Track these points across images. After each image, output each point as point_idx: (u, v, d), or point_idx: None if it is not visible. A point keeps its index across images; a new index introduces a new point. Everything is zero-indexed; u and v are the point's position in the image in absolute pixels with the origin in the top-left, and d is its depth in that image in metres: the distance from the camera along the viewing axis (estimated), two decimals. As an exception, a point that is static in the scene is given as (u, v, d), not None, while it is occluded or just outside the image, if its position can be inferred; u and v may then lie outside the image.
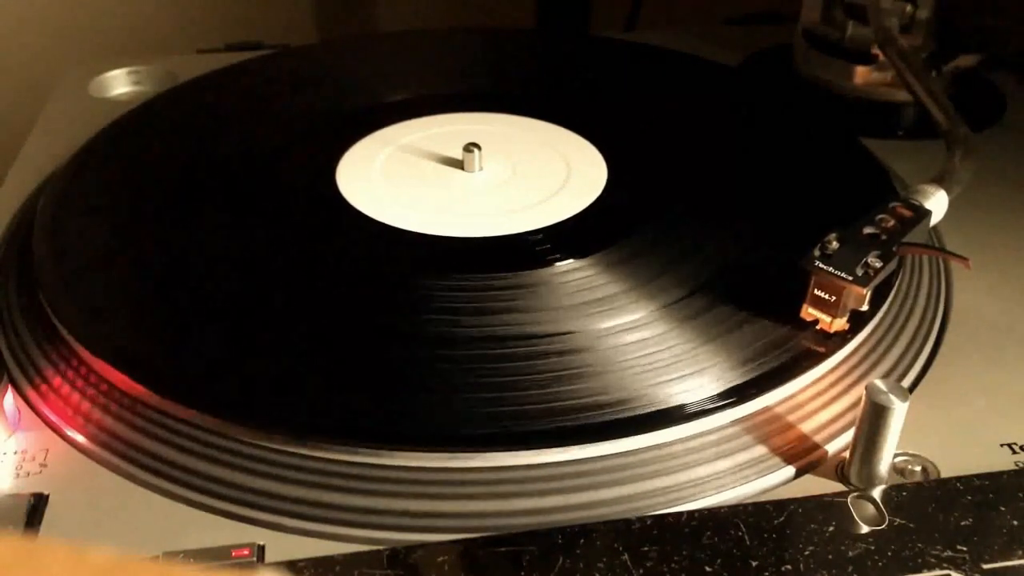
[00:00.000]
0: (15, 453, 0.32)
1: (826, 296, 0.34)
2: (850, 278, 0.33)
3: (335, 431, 0.30)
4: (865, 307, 0.35)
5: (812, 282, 0.34)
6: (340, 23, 0.85)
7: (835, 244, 0.34)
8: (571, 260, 0.38)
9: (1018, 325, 0.38)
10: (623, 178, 0.44)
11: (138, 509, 0.30)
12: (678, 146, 0.48)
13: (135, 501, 0.30)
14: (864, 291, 0.33)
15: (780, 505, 0.29)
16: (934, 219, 0.37)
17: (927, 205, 0.37)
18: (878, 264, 0.33)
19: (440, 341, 0.34)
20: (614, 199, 0.43)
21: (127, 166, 0.46)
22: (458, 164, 0.45)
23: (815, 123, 0.50)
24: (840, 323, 0.34)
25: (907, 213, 0.36)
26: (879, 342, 0.36)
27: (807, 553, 0.27)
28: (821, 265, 0.33)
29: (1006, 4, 0.57)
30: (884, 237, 0.35)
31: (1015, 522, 0.28)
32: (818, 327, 0.34)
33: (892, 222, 0.35)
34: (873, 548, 0.27)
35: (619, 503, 0.30)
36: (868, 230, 0.35)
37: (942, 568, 0.27)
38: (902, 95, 0.51)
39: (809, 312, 0.34)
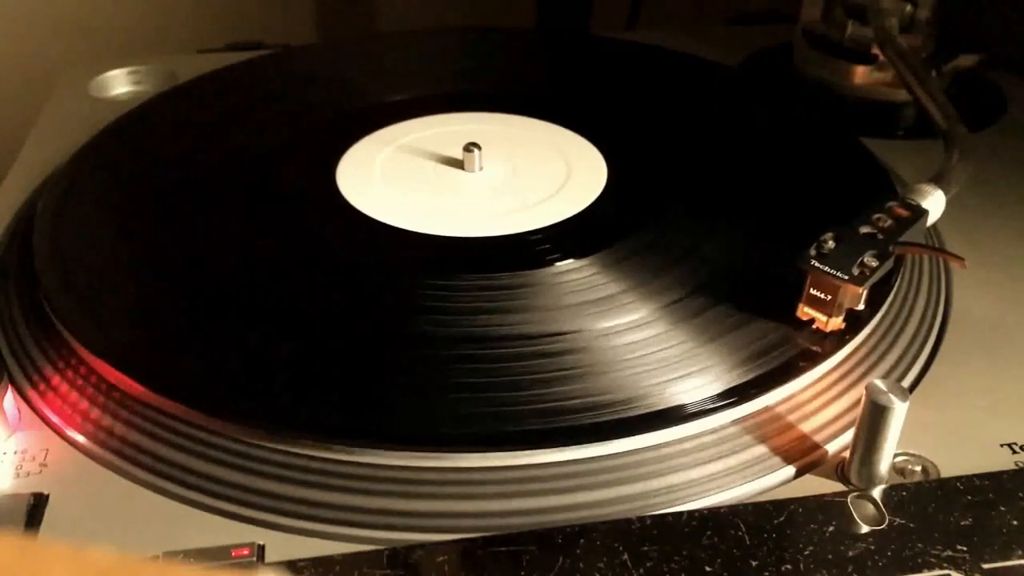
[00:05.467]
0: (15, 453, 0.32)
1: (822, 295, 0.34)
2: (845, 277, 0.33)
3: (335, 431, 0.30)
4: (861, 306, 0.35)
5: (808, 281, 0.34)
6: (340, 23, 0.85)
7: (831, 243, 0.34)
8: (571, 260, 0.38)
9: (1018, 325, 0.38)
10: (623, 178, 0.44)
11: (138, 509, 0.30)
12: (678, 146, 0.48)
13: (135, 501, 0.30)
14: (860, 290, 0.33)
15: (780, 505, 0.29)
16: (931, 219, 0.37)
17: (924, 205, 0.37)
18: (874, 263, 0.33)
19: (440, 341, 0.34)
20: (614, 199, 0.43)
21: (127, 166, 0.46)
22: (458, 164, 0.45)
23: (815, 123, 0.50)
24: (836, 322, 0.34)
25: (904, 213, 0.36)
26: (879, 342, 0.36)
27: (807, 553, 0.27)
28: (817, 264, 0.33)
29: (1006, 4, 0.57)
30: (880, 236, 0.35)
31: (1015, 522, 0.28)
32: (814, 326, 0.34)
33: (889, 221, 0.35)
34: (873, 548, 0.27)
35: (619, 503, 0.30)
36: (865, 229, 0.35)
37: (942, 568, 0.27)
38: (902, 95, 0.51)
39: (805, 311, 0.34)
